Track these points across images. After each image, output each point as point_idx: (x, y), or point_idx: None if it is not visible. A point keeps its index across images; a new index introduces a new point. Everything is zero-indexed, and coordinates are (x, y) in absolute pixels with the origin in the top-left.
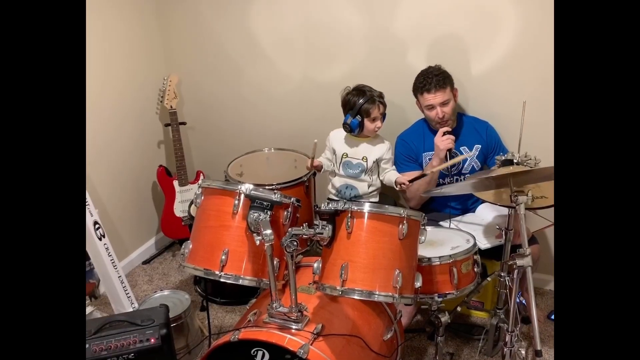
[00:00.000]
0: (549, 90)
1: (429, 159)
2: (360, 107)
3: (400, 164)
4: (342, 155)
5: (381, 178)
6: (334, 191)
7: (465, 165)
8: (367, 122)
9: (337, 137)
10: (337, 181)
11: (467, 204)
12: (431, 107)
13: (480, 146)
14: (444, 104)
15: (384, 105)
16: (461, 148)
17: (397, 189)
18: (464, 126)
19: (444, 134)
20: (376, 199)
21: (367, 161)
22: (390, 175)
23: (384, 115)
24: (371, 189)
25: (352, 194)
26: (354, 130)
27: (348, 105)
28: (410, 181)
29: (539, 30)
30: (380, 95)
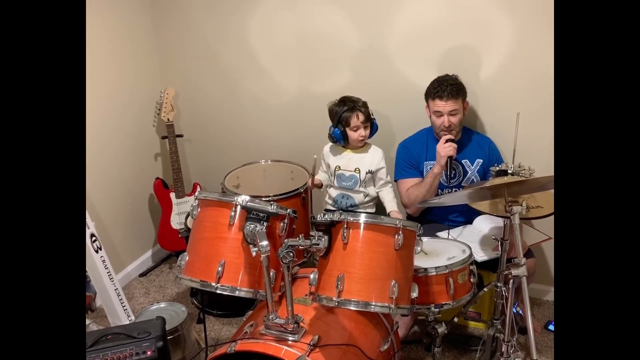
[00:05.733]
0: (542, 102)
1: (430, 168)
2: (339, 116)
3: (401, 170)
4: (335, 168)
5: (377, 191)
6: (330, 201)
7: (465, 178)
8: (349, 132)
9: (330, 151)
10: (333, 192)
11: (466, 217)
12: (439, 114)
13: (481, 160)
14: (452, 113)
15: (365, 115)
16: (463, 161)
17: None
18: (467, 140)
19: (447, 141)
20: (373, 210)
21: (359, 173)
22: (385, 195)
23: (373, 125)
24: (367, 198)
25: (349, 203)
26: (339, 141)
27: (331, 115)
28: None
29: (532, 41)
30: (364, 105)
